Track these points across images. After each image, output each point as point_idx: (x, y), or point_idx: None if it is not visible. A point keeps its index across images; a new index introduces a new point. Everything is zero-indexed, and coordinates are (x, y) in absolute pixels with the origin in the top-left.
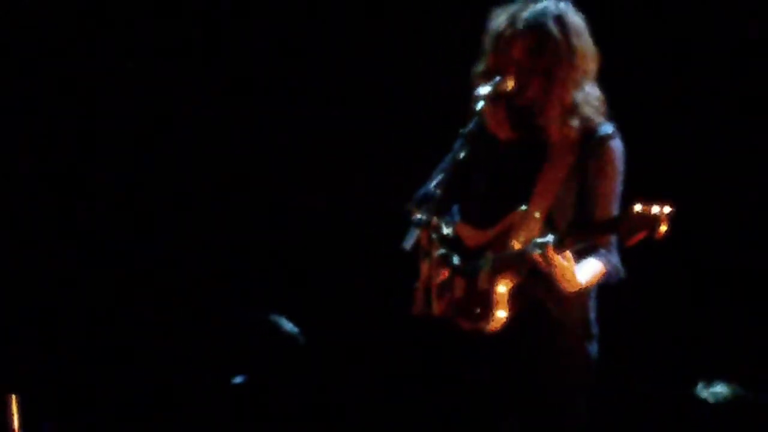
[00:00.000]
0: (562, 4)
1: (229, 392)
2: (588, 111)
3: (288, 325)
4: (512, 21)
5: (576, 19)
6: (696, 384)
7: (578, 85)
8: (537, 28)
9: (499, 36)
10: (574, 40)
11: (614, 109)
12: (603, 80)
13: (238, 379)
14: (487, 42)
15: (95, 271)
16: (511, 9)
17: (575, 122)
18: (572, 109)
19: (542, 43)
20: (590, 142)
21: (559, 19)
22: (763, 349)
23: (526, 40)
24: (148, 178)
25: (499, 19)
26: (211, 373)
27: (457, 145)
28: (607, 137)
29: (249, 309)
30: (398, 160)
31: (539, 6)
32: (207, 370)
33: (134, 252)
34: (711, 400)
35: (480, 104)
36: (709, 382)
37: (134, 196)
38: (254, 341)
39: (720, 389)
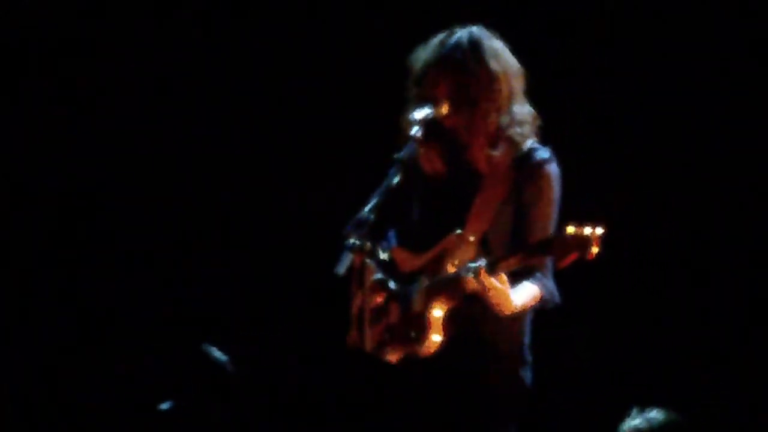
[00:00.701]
0: (475, 31)
1: (156, 418)
2: (514, 133)
3: (216, 354)
4: (430, 62)
5: (491, 43)
6: (630, 410)
7: (503, 109)
8: (453, 66)
9: (421, 78)
10: (493, 65)
11: (549, 131)
12: (537, 102)
13: (164, 405)
14: (411, 85)
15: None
16: (428, 49)
17: (501, 149)
18: (497, 136)
19: (461, 80)
20: (526, 166)
21: (474, 49)
22: (697, 374)
23: (446, 79)
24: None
25: (419, 62)
26: (138, 398)
27: (391, 170)
28: (543, 162)
29: (179, 337)
30: (334, 186)
31: (452, 40)
32: (133, 395)
33: (59, 281)
34: (645, 426)
35: (415, 129)
36: (644, 408)
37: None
38: (182, 368)
39: (655, 415)
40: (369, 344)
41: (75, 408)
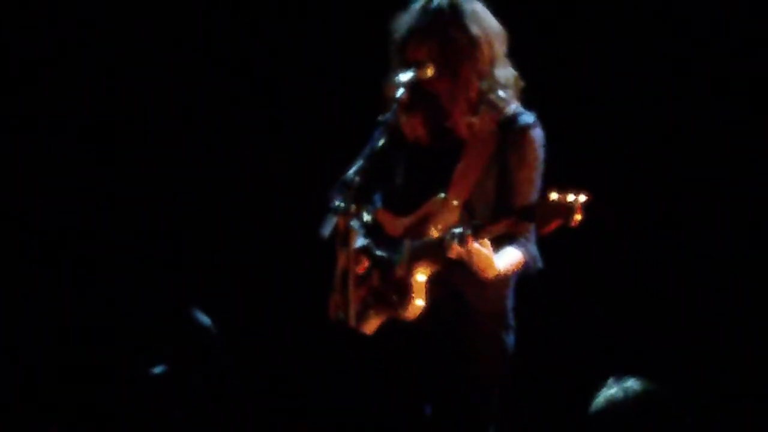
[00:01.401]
0: None
1: (150, 382)
2: (496, 97)
3: (201, 317)
4: (411, 28)
5: (471, 6)
6: (607, 379)
7: (484, 73)
8: (434, 31)
9: (403, 44)
10: (474, 30)
11: (533, 94)
12: (523, 69)
13: (157, 370)
14: (392, 53)
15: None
16: (409, 15)
17: (483, 114)
18: (478, 101)
19: (442, 45)
20: (510, 131)
21: (454, 14)
22: (675, 344)
23: (428, 45)
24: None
25: (400, 28)
26: (128, 363)
27: (376, 132)
28: (528, 126)
29: (164, 300)
30: (319, 149)
31: (432, 5)
32: (122, 360)
33: (47, 243)
34: (621, 395)
35: (399, 92)
36: (620, 377)
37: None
38: (169, 332)
39: (631, 384)
40: (352, 307)
41: (69, 375)
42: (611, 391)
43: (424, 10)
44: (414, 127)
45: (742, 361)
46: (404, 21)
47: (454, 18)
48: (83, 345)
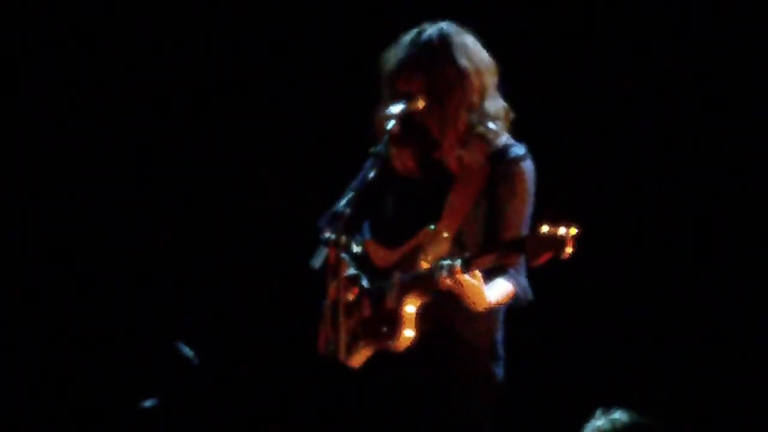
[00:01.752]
0: (444, 27)
1: (139, 416)
2: (485, 130)
3: (185, 350)
4: (400, 63)
5: (461, 39)
6: (594, 411)
7: (473, 106)
8: (424, 64)
9: (393, 77)
10: (463, 62)
11: (524, 126)
12: (511, 97)
13: (148, 403)
14: (382, 85)
15: None
16: (399, 48)
17: (472, 147)
18: (468, 134)
19: (431, 78)
20: (501, 163)
21: (444, 47)
22: (662, 377)
23: (418, 78)
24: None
25: (390, 61)
26: (115, 397)
27: (367, 164)
28: (518, 158)
29: (150, 333)
30: (309, 179)
31: (422, 38)
32: (110, 394)
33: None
34: (608, 427)
35: (390, 124)
36: (608, 409)
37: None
38: (156, 365)
39: (618, 416)
40: (342, 338)
41: (58, 410)
42: (598, 423)
43: (414, 42)
44: (404, 160)
45: (729, 396)
46: (394, 53)
47: (443, 51)
48: (72, 378)
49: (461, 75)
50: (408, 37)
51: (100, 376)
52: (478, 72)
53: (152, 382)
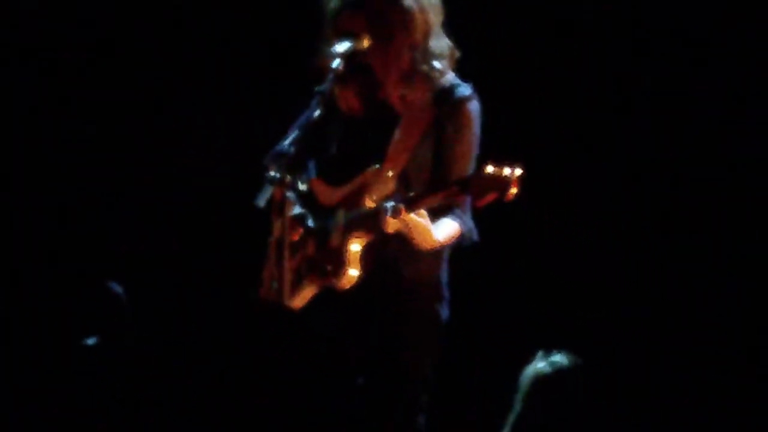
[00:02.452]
0: None
1: (82, 353)
2: (429, 69)
3: (114, 287)
4: (342, 2)
5: None
6: (535, 354)
7: (417, 45)
8: (365, 5)
9: (334, 18)
10: (407, 1)
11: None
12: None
13: (90, 341)
14: (324, 24)
15: None
16: None
17: (416, 86)
18: (412, 73)
19: (374, 17)
20: (447, 102)
21: None
22: (603, 320)
23: (358, 19)
24: None
25: (332, 1)
26: (54, 335)
27: (312, 103)
28: (465, 99)
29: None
30: (254, 118)
31: None
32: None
33: None
34: (549, 369)
35: (336, 62)
36: (548, 352)
37: None
38: (89, 303)
39: (558, 359)
40: (286, 276)
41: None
42: (539, 365)
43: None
44: (348, 100)
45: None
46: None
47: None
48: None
49: (405, 14)
50: None
51: (40, 314)
52: (423, 10)
53: (90, 320)
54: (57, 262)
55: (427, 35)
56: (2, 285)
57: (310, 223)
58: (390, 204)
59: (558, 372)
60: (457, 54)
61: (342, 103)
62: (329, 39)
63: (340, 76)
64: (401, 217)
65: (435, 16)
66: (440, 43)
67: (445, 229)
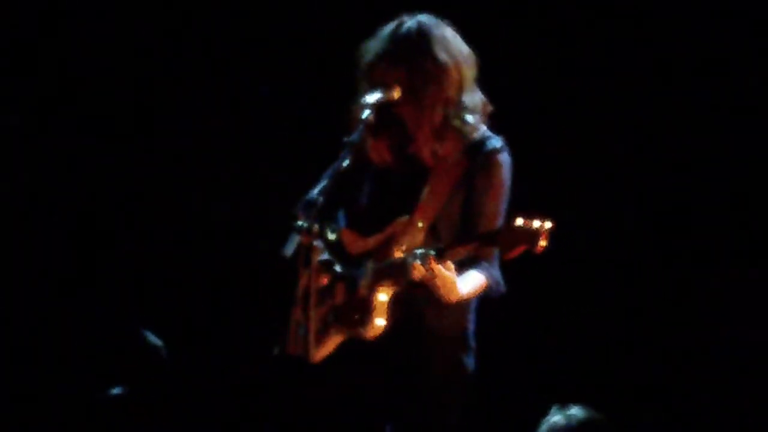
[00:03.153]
0: (423, 20)
1: (106, 403)
2: (462, 123)
3: (152, 338)
4: (378, 56)
5: (441, 32)
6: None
7: (451, 100)
8: (402, 57)
9: (370, 69)
10: (441, 56)
11: (502, 119)
12: (489, 89)
13: (115, 391)
14: (360, 76)
15: None
16: (378, 41)
17: (448, 141)
18: (444, 128)
19: (410, 71)
20: (478, 154)
21: (422, 40)
22: (620, 375)
23: (396, 70)
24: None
25: (369, 53)
26: (83, 384)
27: (342, 153)
28: (495, 151)
29: (116, 320)
30: (284, 168)
31: (401, 32)
32: (76, 381)
33: None
34: (564, 422)
35: (366, 113)
36: (564, 404)
37: None
38: (122, 352)
39: (575, 412)
40: (313, 324)
41: (25, 398)
42: (555, 418)
43: (393, 35)
44: (380, 151)
45: (683, 395)
46: (373, 46)
47: (422, 44)
48: (39, 368)
49: (439, 69)
50: (387, 30)
51: (68, 363)
52: (457, 65)
53: (120, 370)
54: (93, 309)
55: (460, 89)
56: (34, 330)
57: (338, 269)
58: (419, 252)
59: (574, 425)
60: (490, 108)
61: (374, 155)
62: (362, 91)
63: (371, 127)
64: (429, 266)
65: (469, 71)
66: (474, 97)
67: (471, 282)
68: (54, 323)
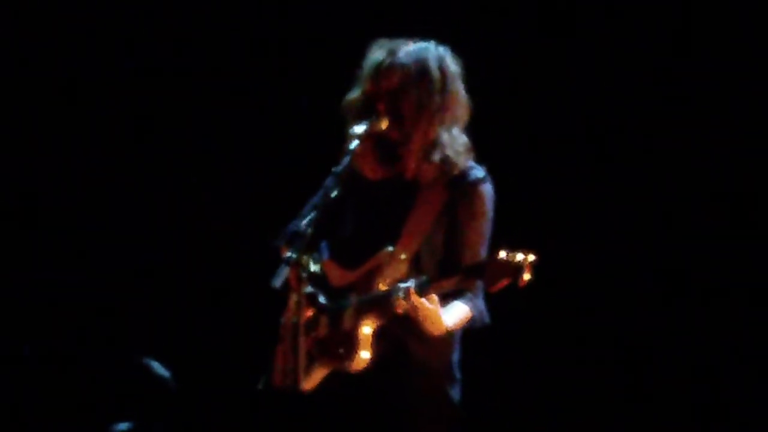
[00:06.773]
0: (442, 49)
1: None
2: (450, 152)
3: (160, 369)
4: (393, 52)
5: (454, 67)
6: None
7: (445, 126)
8: (418, 60)
9: (378, 65)
10: (450, 84)
11: (485, 153)
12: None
13: (122, 426)
14: (364, 70)
15: None
16: (392, 43)
17: (435, 158)
18: (434, 146)
19: (421, 75)
20: (461, 185)
21: (440, 61)
22: (613, 400)
23: (406, 68)
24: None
25: (379, 51)
26: (88, 418)
27: (328, 183)
28: (478, 181)
29: (120, 352)
30: (269, 197)
31: (422, 44)
32: (82, 415)
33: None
34: None
35: (354, 144)
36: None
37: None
38: (127, 385)
39: None
40: (301, 360)
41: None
42: None
43: (394, 57)
44: (367, 158)
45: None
46: (378, 55)
47: (438, 61)
48: (45, 401)
49: (446, 92)
50: (394, 47)
51: (73, 395)
52: (458, 101)
53: (127, 403)
54: (97, 341)
55: (454, 123)
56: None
57: (322, 302)
58: (402, 286)
59: None
60: (472, 152)
61: (368, 171)
62: (360, 116)
63: (361, 151)
64: (412, 300)
65: (464, 112)
66: (462, 137)
67: (455, 314)
68: (60, 358)
